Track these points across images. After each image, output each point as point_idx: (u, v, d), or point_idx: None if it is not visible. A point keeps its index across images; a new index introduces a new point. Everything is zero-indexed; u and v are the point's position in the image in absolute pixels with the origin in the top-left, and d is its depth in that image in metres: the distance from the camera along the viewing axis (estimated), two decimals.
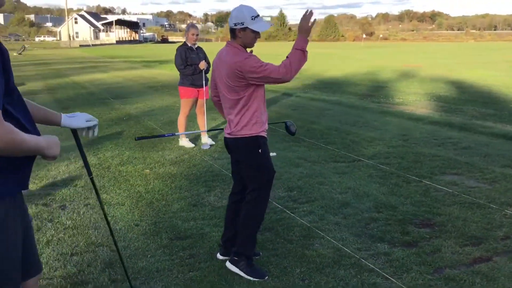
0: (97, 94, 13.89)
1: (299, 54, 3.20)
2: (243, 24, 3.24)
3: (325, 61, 33.07)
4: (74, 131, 2.44)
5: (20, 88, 9.26)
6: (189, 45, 7.16)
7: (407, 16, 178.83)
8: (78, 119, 2.41)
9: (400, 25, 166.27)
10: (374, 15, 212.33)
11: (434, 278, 3.43)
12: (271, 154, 6.69)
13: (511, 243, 3.94)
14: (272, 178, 3.55)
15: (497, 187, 5.35)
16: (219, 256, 3.75)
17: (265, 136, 3.52)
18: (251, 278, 3.42)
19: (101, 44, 79.80)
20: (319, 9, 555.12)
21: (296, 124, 8.91)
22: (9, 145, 1.66)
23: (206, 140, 7.49)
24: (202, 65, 7.10)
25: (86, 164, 2.60)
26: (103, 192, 5.24)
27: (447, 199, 4.96)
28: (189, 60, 7.09)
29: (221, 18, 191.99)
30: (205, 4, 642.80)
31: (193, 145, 7.37)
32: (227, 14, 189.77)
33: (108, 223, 2.86)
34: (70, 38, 79.23)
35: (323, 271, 3.54)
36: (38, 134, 1.95)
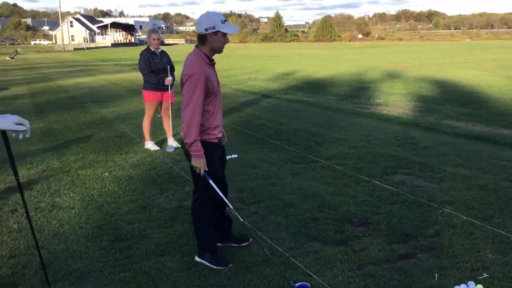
0: (78, 98, 13.99)
1: (188, 138, 3.41)
2: (214, 28, 3.34)
3: (316, 62, 33.19)
4: (3, 131, 2.52)
5: (2, 93, 9.53)
6: (153, 49, 7.26)
7: (404, 15, 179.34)
8: (7, 121, 2.48)
9: (397, 25, 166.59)
10: (371, 15, 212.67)
11: (355, 275, 3.53)
12: (232, 156, 6.85)
13: (438, 240, 4.05)
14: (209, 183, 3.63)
15: (443, 186, 5.46)
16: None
17: (211, 141, 3.58)
18: (217, 267, 3.68)
19: (96, 47, 79.85)
20: (317, 9, 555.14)
21: (266, 126, 9.08)
22: None
23: (171, 142, 7.59)
24: (168, 81, 7.23)
25: (13, 165, 2.69)
26: (56, 196, 5.34)
27: (390, 198, 5.07)
28: (152, 65, 7.19)
29: None
30: (203, 6, 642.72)
31: (158, 148, 7.48)
32: (224, 15, 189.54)
33: (31, 226, 2.96)
34: (63, 42, 79.29)
35: (250, 270, 3.64)
36: None
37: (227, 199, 3.79)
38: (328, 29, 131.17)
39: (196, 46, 3.52)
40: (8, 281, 3.51)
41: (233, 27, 3.48)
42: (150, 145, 7.54)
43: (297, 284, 3.35)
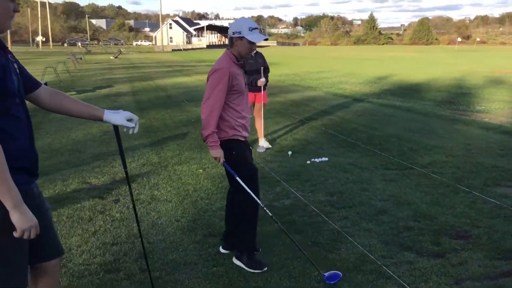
0: (175, 97, 14.62)
1: (205, 130, 3.52)
2: (240, 34, 3.51)
3: (411, 65, 32.06)
4: (115, 126, 2.72)
5: (107, 90, 10.26)
6: None
7: (508, 18, 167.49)
8: (119, 116, 2.65)
9: (501, 28, 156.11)
10: (472, 18, 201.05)
11: None
12: (322, 159, 6.80)
13: None
14: (248, 179, 3.66)
15: None
16: (221, 249, 4.02)
17: (241, 139, 3.68)
18: (252, 270, 3.68)
19: (192, 49, 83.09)
20: (414, 11, 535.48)
21: (357, 130, 8.93)
22: None
23: (263, 143, 7.70)
24: (260, 82, 7.34)
25: (123, 158, 2.89)
26: (155, 189, 5.63)
27: (492, 212, 4.77)
28: (246, 66, 7.34)
29: (310, 22, 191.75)
30: (296, 9, 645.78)
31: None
32: (317, 17, 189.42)
33: (136, 215, 3.14)
34: (162, 43, 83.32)
35: None
36: (31, 144, 2.20)
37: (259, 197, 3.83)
38: (425, 31, 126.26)
39: (227, 48, 3.67)
40: (110, 267, 3.75)
41: (259, 36, 3.55)
42: None
43: (327, 274, 3.48)
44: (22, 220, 1.99)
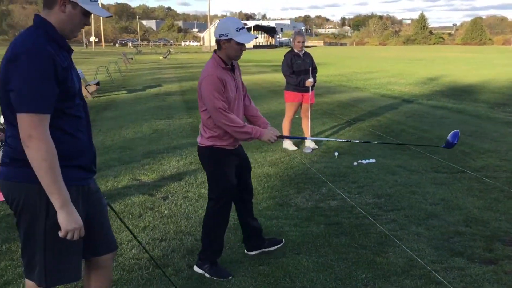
0: None
1: (240, 136, 3.39)
2: (227, 36, 3.30)
3: (463, 66, 31.07)
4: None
5: (157, 90, 10.55)
6: (296, 51, 7.41)
7: None
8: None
9: None
10: None
11: None
12: (370, 161, 6.71)
13: None
14: (223, 192, 3.57)
15: None
16: (247, 252, 3.99)
17: (227, 148, 3.51)
18: (215, 278, 3.56)
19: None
20: (467, 10, 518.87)
21: (407, 132, 8.74)
22: (39, 162, 1.98)
23: (309, 144, 7.67)
24: (308, 82, 7.32)
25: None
26: (202, 187, 5.71)
27: None
28: (295, 66, 7.34)
29: (358, 22, 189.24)
30: (344, 8, 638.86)
31: (295, 148, 7.61)
32: (365, 17, 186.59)
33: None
34: (210, 43, 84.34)
35: (389, 279, 3.54)
36: (90, 142, 2.29)
37: (250, 204, 3.87)
38: (478, 31, 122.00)
39: (214, 51, 3.46)
40: (159, 262, 3.84)
41: (248, 36, 3.35)
42: (288, 144, 7.70)
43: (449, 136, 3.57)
44: (67, 221, 2.07)
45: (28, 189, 2.12)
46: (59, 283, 2.33)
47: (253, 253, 3.96)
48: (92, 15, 2.23)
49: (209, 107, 3.31)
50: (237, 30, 3.30)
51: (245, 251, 4.01)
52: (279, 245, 4.01)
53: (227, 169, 3.54)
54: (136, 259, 3.87)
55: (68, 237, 2.10)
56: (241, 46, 3.35)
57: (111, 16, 2.40)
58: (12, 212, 2.23)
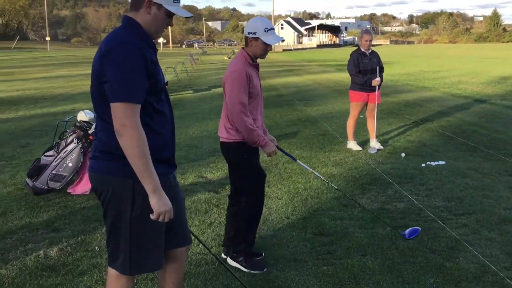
0: (285, 96, 14.79)
1: (249, 137, 3.44)
2: (255, 34, 3.38)
3: None
4: None
5: (221, 89, 10.70)
6: (363, 50, 7.29)
7: None
8: None
9: None
10: None
11: None
12: (439, 162, 6.49)
13: None
14: (258, 184, 3.66)
15: None
16: (222, 255, 3.94)
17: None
18: (251, 271, 3.63)
19: (303, 48, 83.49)
20: None
21: (479, 133, 8.37)
22: (132, 149, 2.09)
23: (374, 144, 7.53)
24: (375, 82, 7.18)
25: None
26: (266, 186, 5.74)
27: None
28: (361, 65, 7.22)
29: (427, 19, 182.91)
30: (412, 5, 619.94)
31: (360, 148, 7.49)
32: (434, 14, 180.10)
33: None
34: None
35: (459, 285, 3.42)
36: (172, 137, 2.39)
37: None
38: None
39: (243, 47, 3.50)
40: (225, 258, 3.91)
41: (275, 38, 3.37)
42: (352, 145, 7.59)
43: (407, 231, 3.71)
44: (159, 204, 2.18)
45: (116, 182, 2.24)
46: (142, 272, 2.46)
47: (228, 259, 3.84)
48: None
49: (232, 100, 3.39)
50: (265, 31, 3.38)
51: (222, 254, 3.97)
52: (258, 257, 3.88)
53: (255, 162, 3.65)
54: (203, 254, 3.97)
55: (160, 219, 2.21)
56: (267, 46, 3.43)
57: (192, 17, 2.51)
58: (88, 206, 2.37)
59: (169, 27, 2.39)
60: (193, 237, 4.23)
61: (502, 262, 3.72)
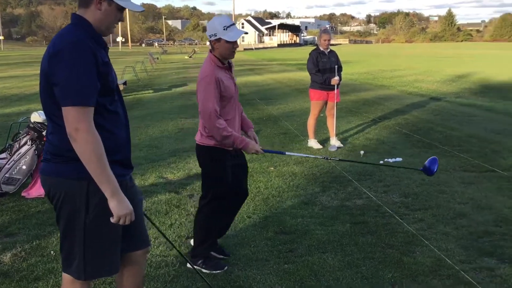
0: (247, 95, 14.79)
1: (226, 142, 3.35)
2: (216, 35, 3.31)
3: (493, 63, 30.41)
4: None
5: (182, 89, 10.66)
6: (322, 49, 7.37)
7: None
8: None
9: None
10: None
11: None
12: (396, 159, 6.63)
13: None
14: (224, 194, 3.59)
15: None
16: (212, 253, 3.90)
17: (226, 148, 3.48)
18: (212, 272, 3.59)
19: (264, 48, 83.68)
20: (496, 7, 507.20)
21: (434, 130, 8.61)
22: (88, 154, 2.03)
23: (334, 142, 7.63)
24: (334, 81, 7.27)
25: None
26: None
27: None
28: (320, 64, 7.30)
29: (384, 19, 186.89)
30: (370, 5, 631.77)
31: (320, 147, 7.57)
32: (391, 14, 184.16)
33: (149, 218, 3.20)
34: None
35: (416, 279, 3.50)
36: (128, 138, 2.34)
37: (238, 207, 3.80)
38: (508, 27, 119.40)
39: (210, 51, 3.45)
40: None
41: (236, 33, 3.31)
42: (313, 143, 7.67)
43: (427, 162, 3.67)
44: (119, 207, 2.13)
45: (68, 185, 2.18)
46: (98, 276, 2.39)
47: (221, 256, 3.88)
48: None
49: (203, 108, 3.32)
50: (224, 29, 3.30)
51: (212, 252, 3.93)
52: (222, 257, 3.88)
53: (224, 169, 3.53)
54: (163, 256, 3.92)
55: (121, 222, 2.16)
56: (232, 44, 3.34)
57: (144, 11, 2.47)
58: (43, 209, 2.29)
59: (125, 25, 2.34)
60: (158, 235, 4.21)
61: (457, 255, 3.84)
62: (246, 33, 3.65)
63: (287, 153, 3.88)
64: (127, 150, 2.35)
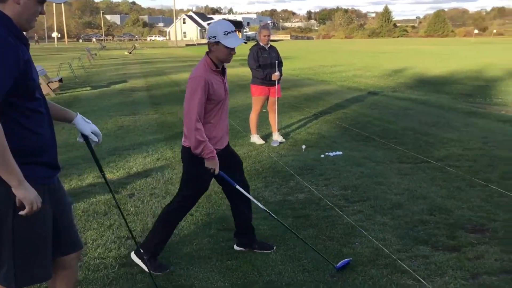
0: None
1: (196, 147, 3.35)
2: (215, 39, 3.34)
3: (427, 58, 31.71)
4: (85, 136, 2.72)
5: (122, 86, 10.32)
6: (262, 45, 7.39)
7: None
8: (86, 127, 2.69)
9: None
10: (489, 9, 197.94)
11: (468, 283, 3.33)
12: (336, 153, 6.76)
13: None
14: (193, 196, 3.67)
15: None
16: (235, 247, 3.98)
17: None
18: (153, 273, 3.48)
19: (206, 43, 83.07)
20: (430, 3, 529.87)
21: (372, 123, 8.86)
22: None
23: (276, 137, 7.69)
24: (275, 76, 7.31)
25: (97, 162, 2.85)
26: (169, 183, 5.65)
27: (509, 205, 4.71)
28: (261, 59, 7.32)
29: (324, 16, 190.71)
30: (311, 2, 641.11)
31: (263, 142, 7.61)
32: (331, 11, 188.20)
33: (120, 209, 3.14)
34: (176, 38, 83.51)
35: (355, 269, 3.58)
36: (53, 138, 2.25)
37: (248, 201, 3.85)
38: (441, 24, 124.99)
39: (206, 53, 3.48)
40: (125, 260, 3.77)
41: (236, 41, 3.36)
42: (256, 138, 7.70)
43: (338, 264, 3.55)
44: (29, 192, 2.05)
45: None
46: (30, 283, 2.27)
47: (239, 248, 3.95)
48: (46, 4, 2.17)
49: (186, 109, 3.34)
50: (225, 34, 3.33)
51: (235, 246, 3.99)
52: (269, 251, 3.91)
53: (204, 172, 3.50)
54: (102, 258, 3.80)
55: (34, 208, 2.07)
56: (230, 50, 3.37)
57: (66, 1, 2.35)
58: None
59: (60, 20, 2.23)
60: (96, 237, 4.05)
61: (394, 245, 3.97)
62: (246, 42, 3.66)
63: (237, 186, 3.79)
64: (53, 150, 2.25)
